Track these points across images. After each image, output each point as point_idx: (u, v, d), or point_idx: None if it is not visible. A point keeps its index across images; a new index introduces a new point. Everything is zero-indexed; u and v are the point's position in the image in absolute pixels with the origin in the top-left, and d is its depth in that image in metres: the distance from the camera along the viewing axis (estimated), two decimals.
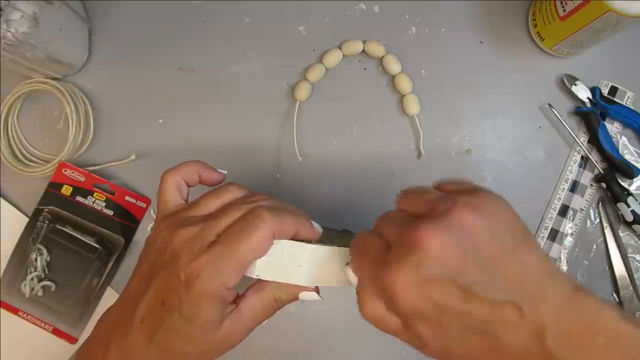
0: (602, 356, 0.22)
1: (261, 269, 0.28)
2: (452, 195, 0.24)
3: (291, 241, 0.29)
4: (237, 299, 0.29)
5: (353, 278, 0.27)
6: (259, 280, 0.29)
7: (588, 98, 0.46)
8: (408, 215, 0.26)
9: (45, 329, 0.43)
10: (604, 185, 0.45)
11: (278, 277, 0.29)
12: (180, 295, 0.26)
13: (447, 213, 0.23)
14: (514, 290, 0.22)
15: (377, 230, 0.27)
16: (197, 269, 0.26)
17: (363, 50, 0.47)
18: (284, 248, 0.29)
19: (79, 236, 0.44)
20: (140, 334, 0.27)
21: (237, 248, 0.26)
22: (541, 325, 0.22)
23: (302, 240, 0.30)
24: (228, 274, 0.26)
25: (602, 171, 0.45)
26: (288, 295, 0.30)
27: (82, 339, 0.44)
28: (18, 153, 0.45)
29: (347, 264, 0.30)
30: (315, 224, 0.31)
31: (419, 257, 0.22)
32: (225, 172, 0.34)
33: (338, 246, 0.30)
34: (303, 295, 0.30)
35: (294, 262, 0.29)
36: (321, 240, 0.31)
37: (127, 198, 0.45)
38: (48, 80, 0.44)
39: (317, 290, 0.30)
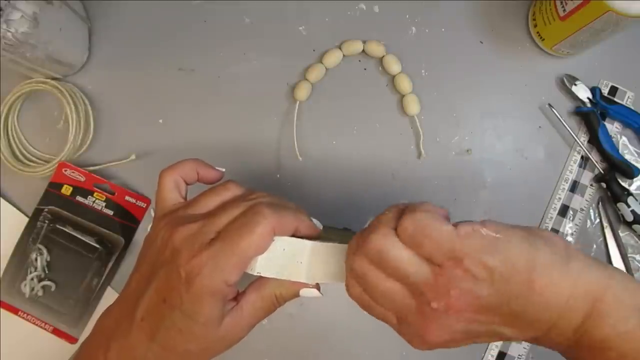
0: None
1: (262, 266, 0.28)
2: (462, 255, 0.24)
3: (292, 238, 0.29)
4: (237, 296, 0.29)
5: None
6: (260, 277, 0.29)
7: (588, 98, 0.46)
8: (424, 258, 0.25)
9: (45, 329, 0.43)
10: (604, 185, 0.45)
11: (279, 274, 0.29)
12: (181, 292, 0.26)
13: (461, 277, 0.23)
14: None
15: (390, 268, 0.25)
16: (197, 266, 0.26)
17: (363, 50, 0.47)
18: (284, 245, 0.28)
19: (79, 236, 0.44)
20: (142, 333, 0.27)
21: (238, 244, 0.26)
22: None
23: (302, 237, 0.30)
24: (229, 271, 0.26)
25: (602, 171, 0.45)
26: (289, 291, 0.30)
27: (82, 339, 0.44)
28: (18, 153, 0.45)
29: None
30: (315, 221, 0.31)
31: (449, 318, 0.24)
32: (224, 169, 0.34)
33: (339, 243, 0.30)
34: (303, 292, 0.30)
35: (294, 258, 0.29)
36: (322, 238, 0.31)
37: (127, 198, 0.45)
38: (48, 80, 0.44)
39: (317, 287, 0.30)
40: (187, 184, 0.32)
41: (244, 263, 0.27)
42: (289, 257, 0.29)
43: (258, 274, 0.28)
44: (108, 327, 0.29)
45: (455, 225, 0.24)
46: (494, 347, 0.44)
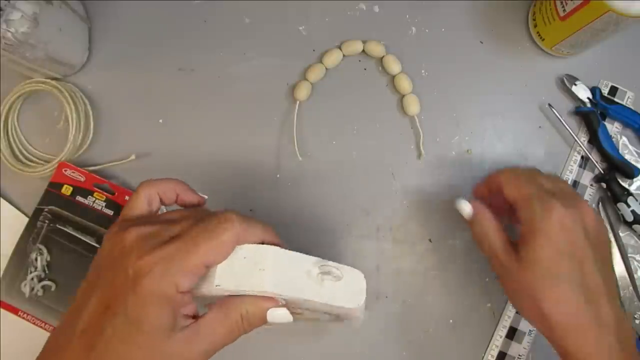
0: None
1: (221, 276, 0.26)
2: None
3: (253, 244, 0.27)
4: (198, 316, 0.27)
5: (467, 206, 0.36)
6: (224, 298, 0.27)
7: (588, 98, 0.46)
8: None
9: (45, 329, 0.43)
10: (604, 185, 0.45)
11: (241, 285, 0.26)
12: (127, 294, 0.24)
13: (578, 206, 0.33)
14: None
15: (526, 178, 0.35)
16: (147, 264, 0.24)
17: (363, 50, 0.47)
18: (245, 252, 0.27)
19: (79, 236, 0.44)
20: (79, 346, 0.24)
21: (197, 245, 0.24)
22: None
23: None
24: (182, 274, 0.24)
25: (602, 171, 0.45)
26: (255, 308, 0.27)
27: None
28: (18, 153, 0.45)
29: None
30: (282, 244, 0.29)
31: (577, 211, 0.32)
32: (206, 196, 0.32)
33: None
34: (272, 312, 0.27)
35: (256, 266, 0.26)
36: None
37: (127, 198, 0.45)
38: (48, 80, 0.44)
39: (286, 306, 0.28)
40: (163, 203, 0.31)
41: (199, 269, 0.25)
42: (251, 265, 0.26)
43: (217, 286, 0.26)
44: (49, 347, 0.26)
45: None
46: (494, 347, 0.44)
